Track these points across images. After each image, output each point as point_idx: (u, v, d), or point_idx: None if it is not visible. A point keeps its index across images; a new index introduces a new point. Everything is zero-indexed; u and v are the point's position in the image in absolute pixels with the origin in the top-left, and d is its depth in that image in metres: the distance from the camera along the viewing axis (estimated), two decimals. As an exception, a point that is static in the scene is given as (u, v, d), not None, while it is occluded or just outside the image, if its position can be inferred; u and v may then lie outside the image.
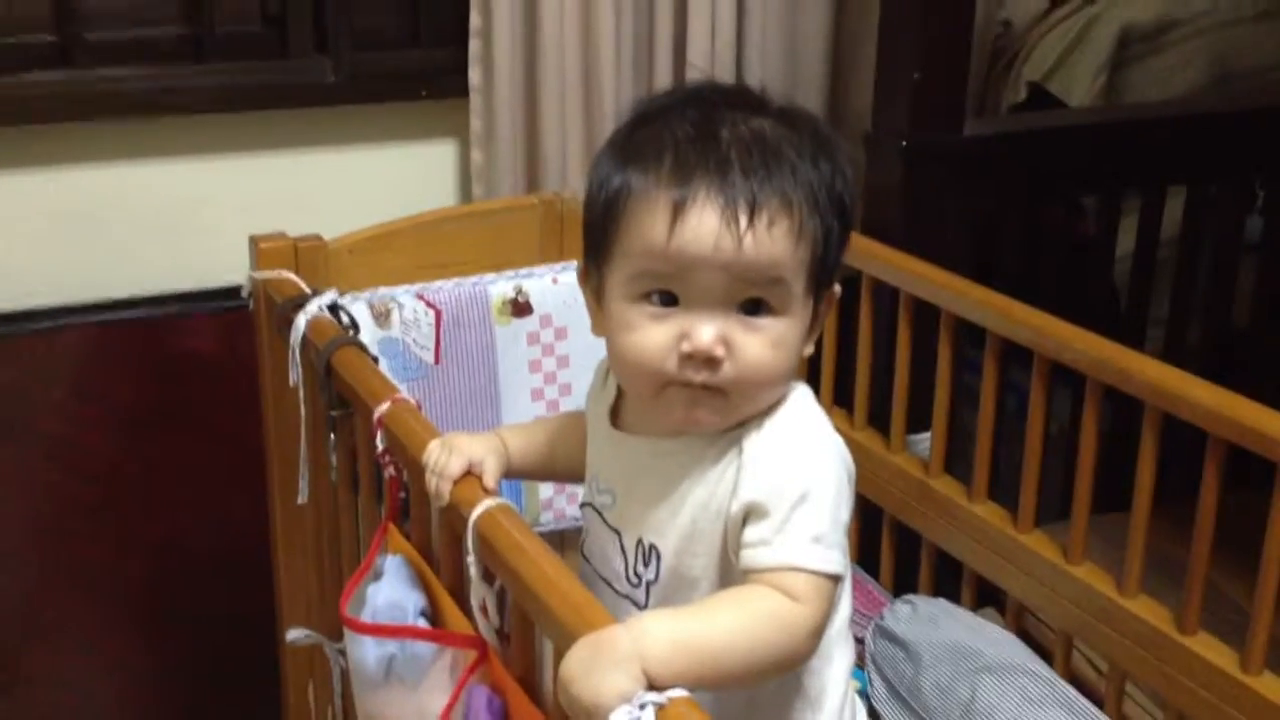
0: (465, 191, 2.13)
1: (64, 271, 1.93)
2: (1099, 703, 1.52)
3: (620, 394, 1.17)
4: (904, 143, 1.80)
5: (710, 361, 1.01)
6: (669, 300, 1.02)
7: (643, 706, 0.86)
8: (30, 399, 1.91)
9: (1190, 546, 1.44)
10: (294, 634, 1.59)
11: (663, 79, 2.06)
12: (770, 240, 1.00)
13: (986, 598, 1.78)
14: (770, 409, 1.07)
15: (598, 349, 1.75)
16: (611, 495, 1.15)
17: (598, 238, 1.07)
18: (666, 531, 1.10)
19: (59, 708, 2.01)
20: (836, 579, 1.02)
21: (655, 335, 1.02)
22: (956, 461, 1.75)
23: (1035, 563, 1.57)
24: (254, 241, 1.60)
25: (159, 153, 1.96)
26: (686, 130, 1.02)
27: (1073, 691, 1.51)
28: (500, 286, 1.70)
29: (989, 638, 1.57)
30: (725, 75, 2.07)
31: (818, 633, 0.99)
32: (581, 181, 2.04)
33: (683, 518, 1.08)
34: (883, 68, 1.85)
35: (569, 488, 1.78)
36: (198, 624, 2.02)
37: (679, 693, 0.88)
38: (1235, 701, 1.35)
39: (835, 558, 1.01)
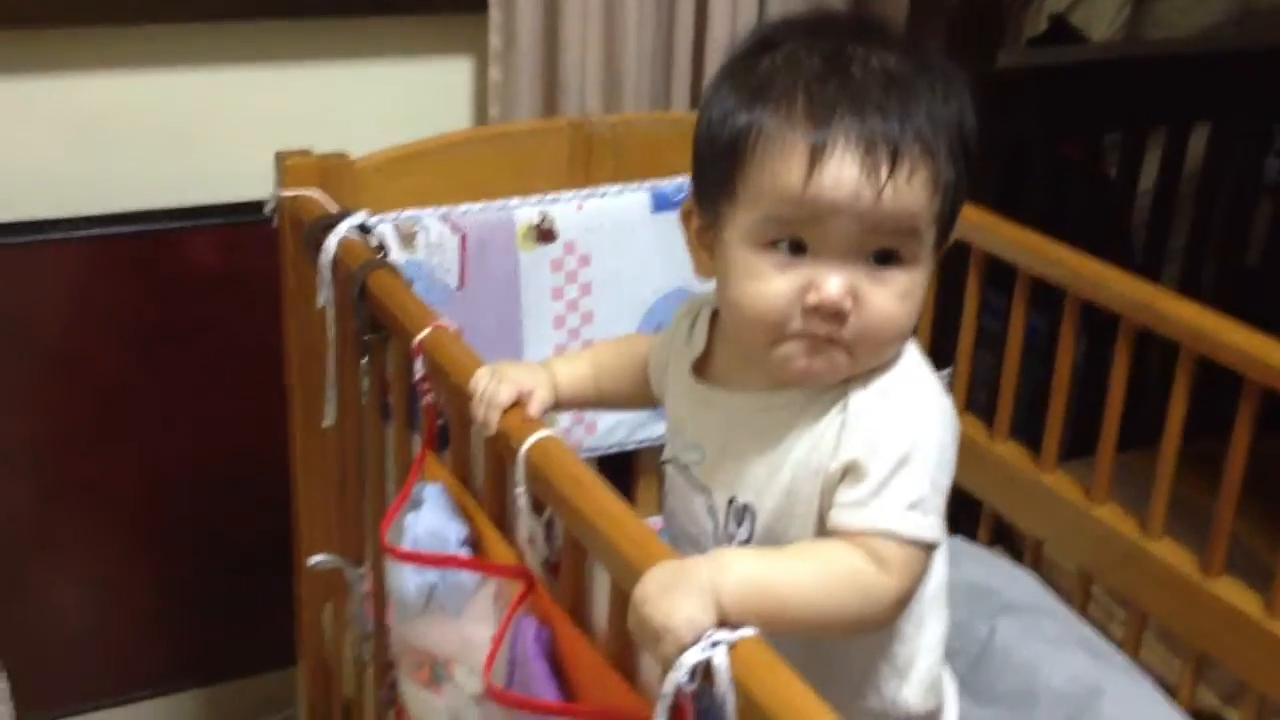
0: (480, 110, 2.10)
1: (68, 182, 1.89)
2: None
3: (709, 349, 1.13)
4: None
5: (836, 315, 0.97)
6: (797, 248, 0.97)
7: (715, 644, 0.85)
8: (31, 312, 1.87)
9: (1206, 487, 1.45)
10: (316, 559, 1.59)
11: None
12: (910, 190, 0.95)
13: (998, 537, 1.80)
14: (880, 365, 1.02)
15: (620, 277, 1.77)
16: (700, 452, 1.11)
17: (718, 177, 1.01)
18: (764, 490, 1.05)
19: (64, 627, 2.00)
20: (931, 547, 0.98)
21: (780, 285, 0.98)
22: (970, 401, 1.75)
23: (1057, 503, 1.58)
24: (280, 158, 1.57)
25: (167, 61, 1.91)
26: (815, 64, 0.96)
27: (1091, 631, 1.52)
28: (525, 211, 1.68)
29: (1009, 578, 1.58)
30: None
31: (901, 604, 0.97)
32: (601, 101, 2.03)
33: (782, 476, 1.04)
34: (918, -8, 1.82)
35: (587, 417, 1.78)
36: (207, 544, 2.01)
37: (750, 632, 0.87)
38: (1258, 644, 1.37)
39: (931, 524, 0.97)
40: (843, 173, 0.94)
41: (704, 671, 0.84)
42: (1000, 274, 1.68)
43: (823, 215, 0.95)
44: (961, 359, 1.71)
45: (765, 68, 0.99)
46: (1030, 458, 1.63)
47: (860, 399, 1.02)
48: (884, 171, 0.94)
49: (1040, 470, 1.61)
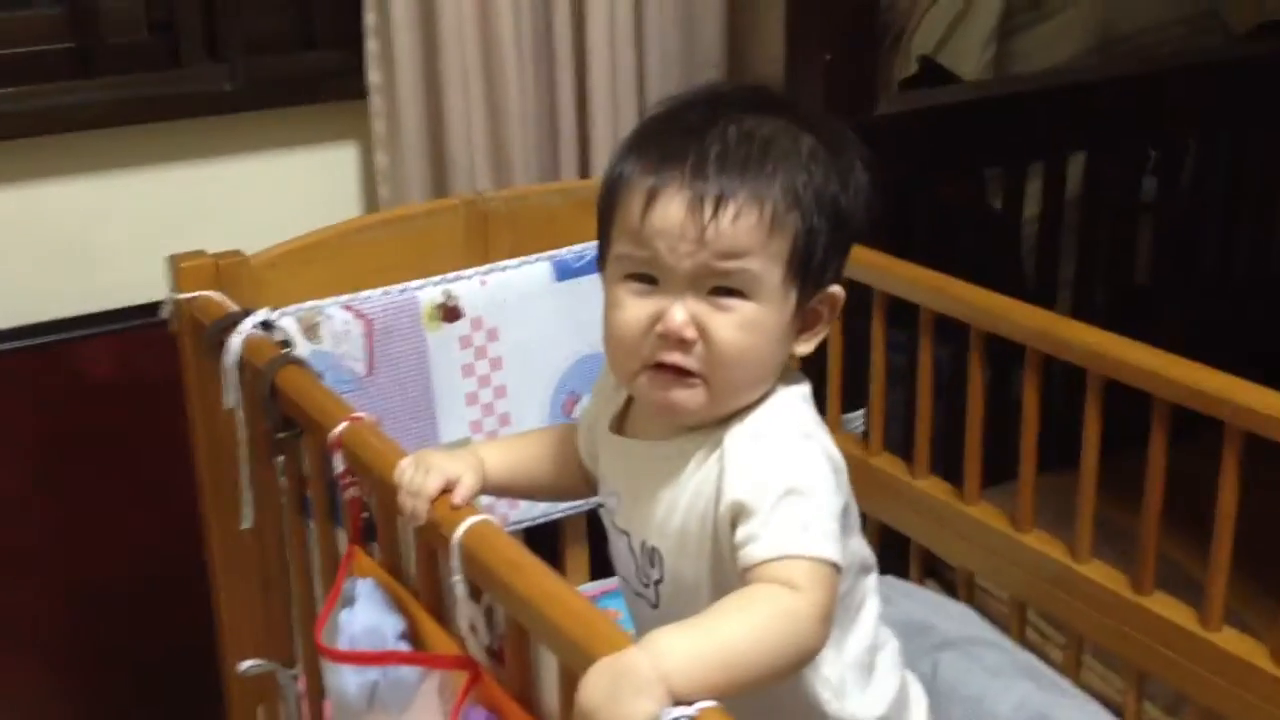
0: (370, 195, 2.09)
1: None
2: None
3: (627, 403, 1.19)
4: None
5: (682, 343, 1.05)
6: (650, 281, 1.07)
7: (675, 721, 0.84)
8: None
9: (1124, 503, 1.48)
10: (246, 664, 1.54)
11: (564, 65, 2.04)
12: (734, 230, 1.03)
13: (929, 572, 1.81)
14: (750, 407, 1.09)
15: (530, 349, 1.76)
16: (617, 498, 1.19)
17: (600, 222, 1.13)
18: (663, 533, 1.12)
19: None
20: (834, 565, 1.01)
21: (635, 313, 1.07)
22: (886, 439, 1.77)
23: (984, 533, 1.59)
24: (173, 261, 1.53)
25: (50, 173, 1.87)
26: (686, 126, 1.07)
27: (1032, 658, 1.53)
28: (428, 292, 1.66)
29: (945, 612, 1.59)
30: (624, 57, 2.05)
31: (826, 619, 0.98)
32: (491, 178, 2.03)
33: (675, 519, 1.11)
34: (792, 49, 1.86)
35: (509, 490, 1.76)
36: (127, 660, 1.94)
37: (709, 704, 0.86)
38: (1195, 657, 1.39)
39: (827, 544, 1.01)
40: (669, 211, 1.04)
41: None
42: (898, 311, 1.71)
43: (658, 250, 1.05)
44: (875, 399, 1.72)
45: (648, 129, 1.11)
46: (953, 491, 1.64)
47: (734, 442, 1.08)
48: (707, 211, 1.03)
49: (964, 503, 1.62)
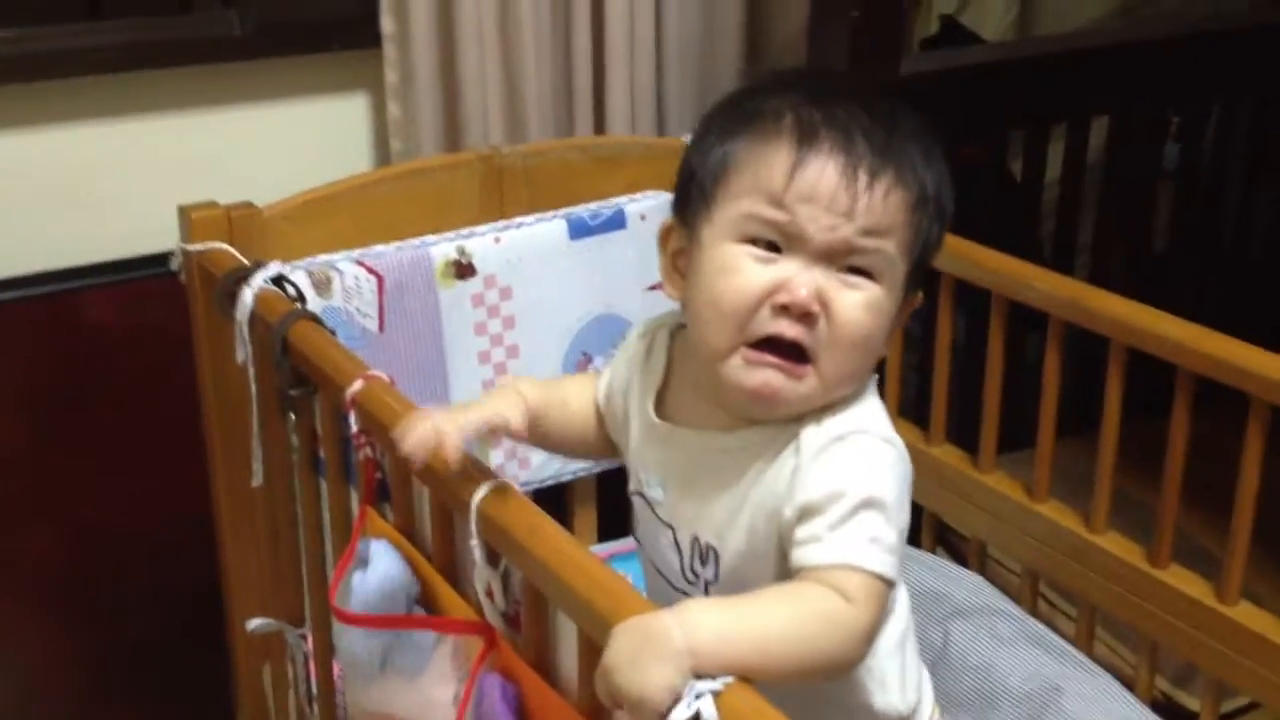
0: (381, 146, 2.05)
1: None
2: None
3: (666, 382, 1.12)
4: (843, 83, 1.78)
5: (804, 316, 0.98)
6: (772, 248, 0.99)
7: (698, 695, 0.83)
8: (-71, 387, 1.80)
9: (1135, 472, 1.49)
10: (255, 623, 1.53)
11: (581, 18, 2.00)
12: (884, 208, 0.99)
13: (937, 540, 1.80)
14: (831, 406, 1.02)
15: (543, 307, 1.74)
16: (663, 490, 1.11)
17: (698, 196, 1.04)
18: (725, 533, 1.06)
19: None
20: (890, 584, 0.97)
21: (752, 279, 0.99)
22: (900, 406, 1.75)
23: (999, 502, 1.58)
24: (184, 211, 1.51)
25: (56, 118, 1.84)
26: (803, 99, 1.01)
27: (1043, 628, 1.52)
28: (442, 248, 1.64)
29: (956, 581, 1.58)
30: (642, 7, 2.01)
31: (870, 637, 0.95)
32: (505, 132, 1.99)
33: (741, 519, 1.04)
34: (818, 4, 1.82)
35: (520, 451, 1.74)
36: (132, 617, 1.93)
37: (732, 679, 0.85)
38: (1210, 629, 1.38)
39: (888, 561, 0.96)
40: (823, 178, 0.98)
41: (693, 726, 0.82)
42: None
43: (799, 218, 0.98)
44: (890, 364, 1.70)
45: (750, 107, 1.03)
46: (968, 459, 1.63)
47: (812, 440, 1.01)
48: (862, 182, 0.97)
49: (979, 471, 1.60)
